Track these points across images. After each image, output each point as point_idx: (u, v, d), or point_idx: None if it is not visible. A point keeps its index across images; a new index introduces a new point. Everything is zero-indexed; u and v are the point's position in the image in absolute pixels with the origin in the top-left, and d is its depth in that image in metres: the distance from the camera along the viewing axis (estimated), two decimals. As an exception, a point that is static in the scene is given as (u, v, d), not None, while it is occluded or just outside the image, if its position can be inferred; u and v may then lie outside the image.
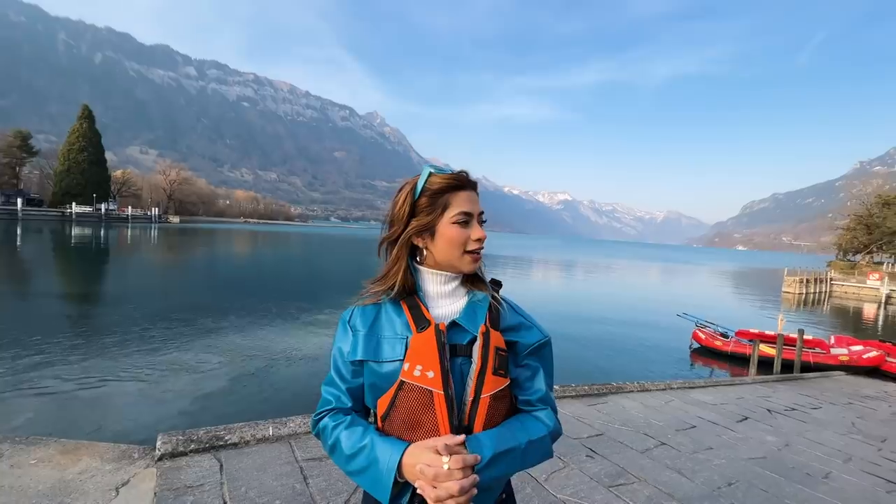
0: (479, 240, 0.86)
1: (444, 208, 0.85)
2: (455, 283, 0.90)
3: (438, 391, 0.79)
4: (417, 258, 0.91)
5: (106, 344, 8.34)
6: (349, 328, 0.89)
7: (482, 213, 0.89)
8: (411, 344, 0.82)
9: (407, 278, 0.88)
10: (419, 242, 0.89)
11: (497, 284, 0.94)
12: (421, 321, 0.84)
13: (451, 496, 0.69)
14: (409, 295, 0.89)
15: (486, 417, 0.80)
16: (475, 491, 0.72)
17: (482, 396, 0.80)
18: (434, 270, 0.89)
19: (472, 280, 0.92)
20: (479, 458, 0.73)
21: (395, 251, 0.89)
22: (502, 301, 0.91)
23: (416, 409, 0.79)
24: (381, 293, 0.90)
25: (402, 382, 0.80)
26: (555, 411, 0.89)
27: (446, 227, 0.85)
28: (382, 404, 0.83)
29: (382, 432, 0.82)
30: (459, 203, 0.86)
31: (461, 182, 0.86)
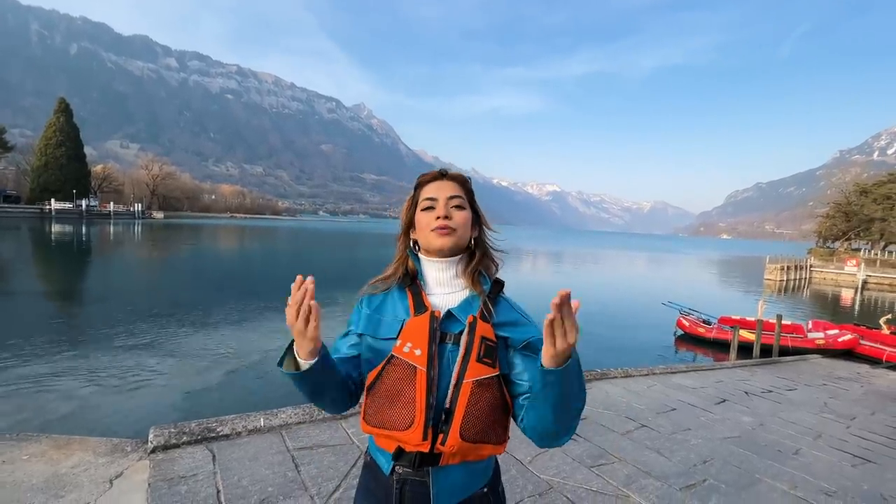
0: (439, 217, 0.94)
1: (418, 200, 1.00)
2: (452, 272, 0.97)
3: (422, 368, 0.86)
4: (418, 250, 1.02)
5: (93, 341, 8.25)
6: (358, 310, 1.01)
7: (454, 196, 0.97)
8: (406, 325, 0.91)
9: (408, 265, 1.00)
10: (414, 235, 1.02)
11: (499, 284, 0.99)
12: (420, 307, 0.93)
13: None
14: (413, 282, 0.98)
15: (468, 401, 0.85)
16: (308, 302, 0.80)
17: (465, 381, 0.86)
18: (429, 258, 0.98)
19: (474, 276, 0.97)
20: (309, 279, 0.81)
21: (399, 243, 1.04)
22: (500, 298, 0.97)
23: (398, 381, 0.87)
24: (389, 279, 1.01)
25: (392, 356, 0.89)
26: None
27: (418, 215, 0.99)
28: (371, 376, 0.92)
29: (365, 403, 0.93)
30: (425, 192, 0.98)
31: (430, 176, 1.00)
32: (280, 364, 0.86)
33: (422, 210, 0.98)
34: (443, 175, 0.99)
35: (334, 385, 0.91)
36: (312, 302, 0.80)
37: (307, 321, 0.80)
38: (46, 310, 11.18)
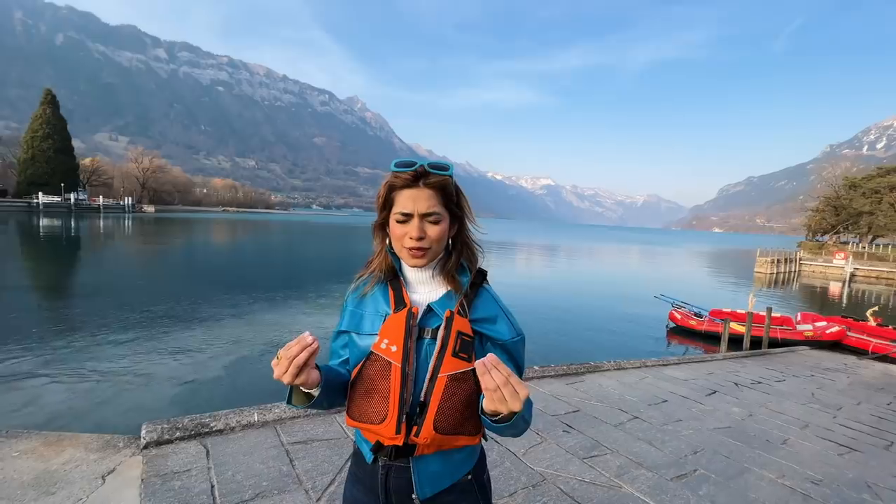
0: (413, 238, 0.89)
1: (392, 205, 0.92)
2: (429, 273, 0.95)
3: (397, 364, 0.88)
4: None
5: (84, 337, 8.17)
6: (344, 306, 1.01)
7: (430, 213, 0.89)
8: (386, 321, 0.92)
9: (387, 262, 0.97)
10: (389, 232, 0.96)
11: (482, 275, 0.99)
12: (400, 303, 0.94)
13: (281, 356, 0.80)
14: (395, 278, 0.97)
15: (442, 395, 0.87)
16: (300, 356, 0.79)
17: (439, 375, 0.88)
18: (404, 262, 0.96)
19: (451, 274, 0.95)
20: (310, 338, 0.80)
21: (376, 239, 1.00)
22: (481, 291, 0.96)
23: (375, 376, 0.90)
24: (373, 274, 0.99)
25: (371, 353, 0.92)
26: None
27: (391, 223, 0.92)
28: (355, 371, 0.95)
29: (348, 397, 0.95)
30: (400, 202, 0.90)
31: (405, 181, 0.89)
32: (289, 401, 0.90)
33: (395, 220, 0.90)
34: (418, 179, 0.89)
35: (342, 392, 0.95)
36: (302, 355, 0.79)
37: (294, 377, 0.80)
38: (35, 305, 11.03)
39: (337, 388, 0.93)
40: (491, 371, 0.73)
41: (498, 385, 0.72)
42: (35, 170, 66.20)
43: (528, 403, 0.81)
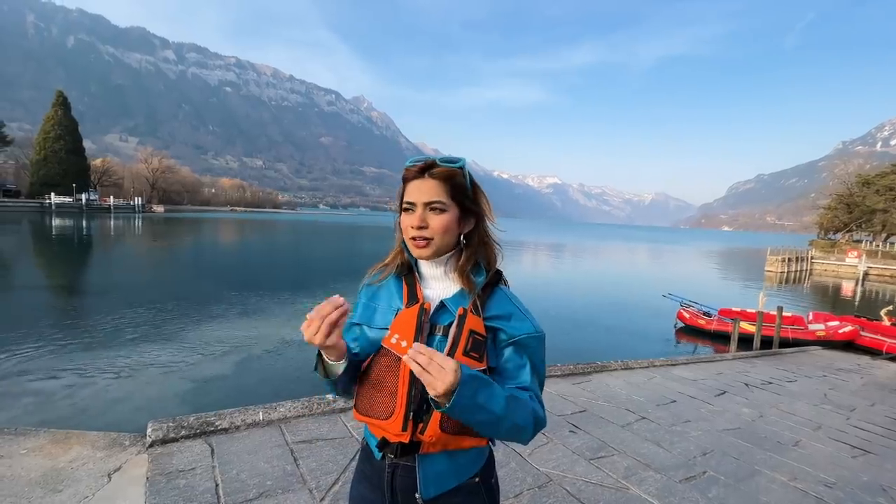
0: (413, 227, 0.90)
1: (401, 197, 0.94)
2: (442, 268, 0.95)
3: None
4: None
5: (92, 335, 8.27)
6: (358, 298, 1.03)
7: (434, 202, 0.89)
8: (397, 316, 0.92)
9: (403, 257, 0.98)
10: None
11: (497, 274, 0.97)
12: (412, 298, 0.94)
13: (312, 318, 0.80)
14: (410, 272, 0.98)
15: None
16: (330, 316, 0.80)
17: None
18: None
19: (464, 273, 0.93)
20: (340, 301, 0.82)
21: (396, 232, 0.99)
22: (496, 290, 0.94)
23: (384, 370, 0.89)
24: (388, 268, 1.00)
25: (381, 347, 0.91)
26: (541, 404, 0.90)
27: (401, 216, 0.94)
28: (364, 365, 0.94)
29: (356, 390, 0.95)
30: (407, 192, 0.92)
31: (413, 173, 0.91)
32: (315, 368, 0.91)
33: (402, 211, 0.93)
34: (424, 171, 0.90)
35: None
36: (334, 313, 0.80)
37: (326, 336, 0.80)
38: (45, 304, 11.19)
39: (357, 368, 0.93)
40: (416, 357, 0.73)
41: (423, 367, 0.72)
42: (47, 170, 67.22)
43: (516, 405, 0.81)
